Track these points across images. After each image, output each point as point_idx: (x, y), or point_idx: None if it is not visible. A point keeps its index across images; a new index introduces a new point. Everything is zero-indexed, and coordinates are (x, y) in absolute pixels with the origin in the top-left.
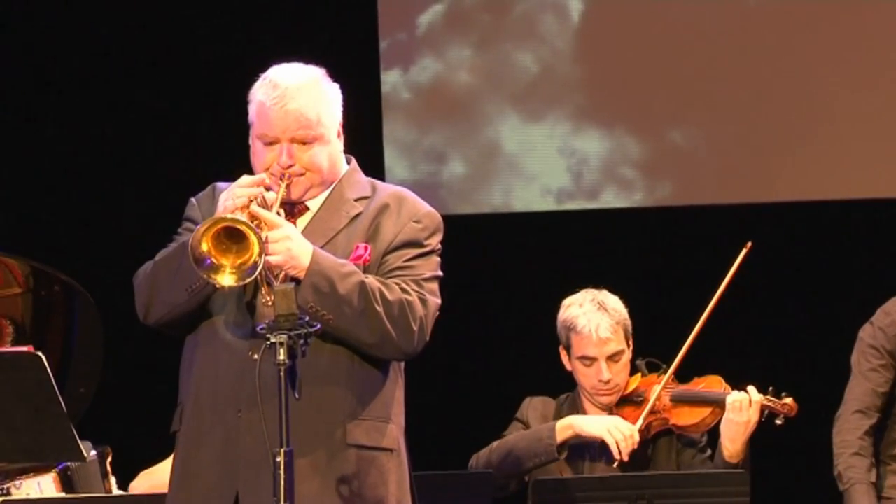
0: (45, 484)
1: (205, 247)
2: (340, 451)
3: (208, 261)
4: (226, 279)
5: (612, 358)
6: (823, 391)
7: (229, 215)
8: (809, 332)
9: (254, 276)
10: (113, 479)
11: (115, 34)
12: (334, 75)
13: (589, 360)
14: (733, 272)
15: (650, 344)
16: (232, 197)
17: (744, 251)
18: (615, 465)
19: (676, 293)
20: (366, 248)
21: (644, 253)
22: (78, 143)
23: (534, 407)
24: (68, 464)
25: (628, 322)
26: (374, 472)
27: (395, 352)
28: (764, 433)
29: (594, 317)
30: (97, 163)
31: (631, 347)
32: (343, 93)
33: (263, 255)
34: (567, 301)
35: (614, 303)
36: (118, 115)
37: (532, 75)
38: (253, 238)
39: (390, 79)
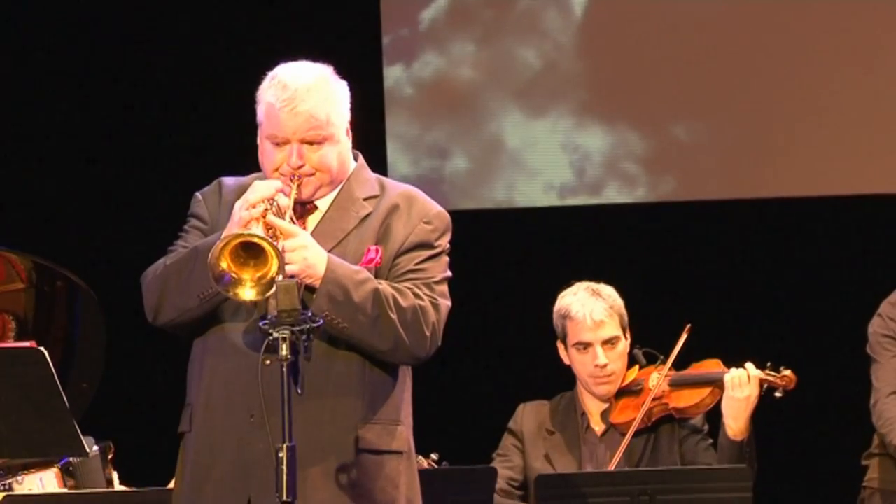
0: (48, 479)
1: (224, 265)
2: (351, 456)
3: (228, 277)
4: (247, 293)
5: (608, 343)
6: (825, 383)
7: (246, 231)
8: (814, 325)
9: (273, 290)
10: (115, 475)
11: (121, 28)
12: (337, 70)
13: (584, 346)
14: (674, 356)
15: (652, 338)
16: (247, 206)
17: (684, 335)
18: (616, 459)
19: (679, 288)
20: (377, 251)
21: (647, 248)
22: (82, 138)
23: (527, 414)
24: (70, 459)
25: (623, 310)
26: (384, 476)
27: (408, 357)
28: (767, 422)
29: (588, 302)
30: (101, 158)
31: (628, 340)
32: (347, 88)
33: (282, 270)
34: (562, 294)
35: (609, 290)
36: (123, 111)
37: (535, 70)
38: (272, 253)
39: (393, 74)
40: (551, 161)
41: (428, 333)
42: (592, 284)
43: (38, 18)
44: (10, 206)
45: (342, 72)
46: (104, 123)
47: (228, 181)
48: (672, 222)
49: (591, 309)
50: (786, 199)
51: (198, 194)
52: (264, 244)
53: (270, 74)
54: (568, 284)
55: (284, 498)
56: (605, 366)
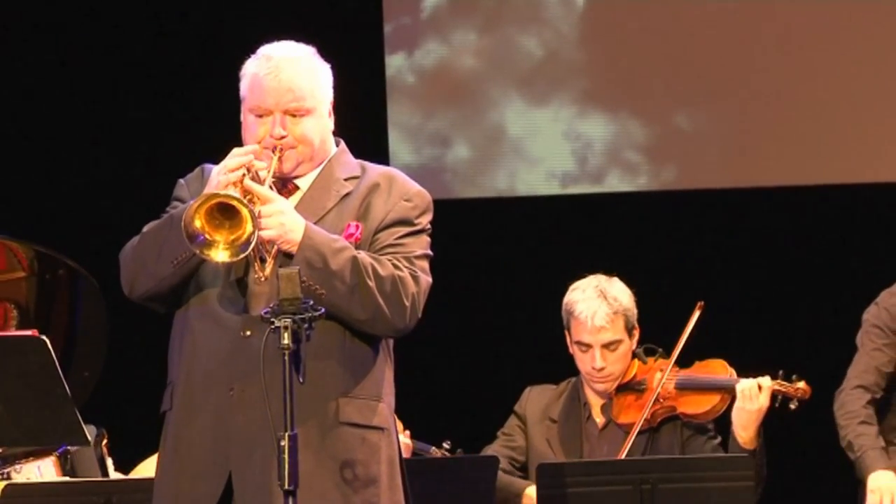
0: (46, 468)
1: (198, 223)
2: (333, 428)
3: (201, 237)
4: (220, 255)
5: (608, 347)
6: (825, 375)
7: (222, 191)
8: (813, 316)
9: (247, 253)
10: (110, 461)
11: (116, 16)
12: (339, 58)
13: (584, 346)
14: (688, 334)
15: (654, 328)
16: (225, 171)
17: (697, 312)
18: (618, 454)
19: (681, 277)
20: (357, 227)
21: (648, 237)
22: (80, 125)
23: (532, 399)
24: (68, 447)
25: (630, 312)
26: (366, 450)
27: (388, 328)
28: (775, 417)
29: (592, 304)
30: (99, 146)
31: (635, 337)
32: (348, 76)
33: (256, 231)
34: (574, 285)
35: (617, 291)
36: (119, 97)
37: (537, 59)
38: (246, 214)
39: (395, 62)
40: (553, 150)
41: (407, 304)
42: (603, 281)
43: (30, 5)
44: (10, 194)
45: (344, 59)
46: (101, 111)
47: (211, 167)
48: (674, 211)
49: (593, 312)
50: (787, 187)
51: (181, 180)
52: (239, 205)
53: (255, 53)
54: (576, 275)
55: (286, 487)
56: (601, 368)
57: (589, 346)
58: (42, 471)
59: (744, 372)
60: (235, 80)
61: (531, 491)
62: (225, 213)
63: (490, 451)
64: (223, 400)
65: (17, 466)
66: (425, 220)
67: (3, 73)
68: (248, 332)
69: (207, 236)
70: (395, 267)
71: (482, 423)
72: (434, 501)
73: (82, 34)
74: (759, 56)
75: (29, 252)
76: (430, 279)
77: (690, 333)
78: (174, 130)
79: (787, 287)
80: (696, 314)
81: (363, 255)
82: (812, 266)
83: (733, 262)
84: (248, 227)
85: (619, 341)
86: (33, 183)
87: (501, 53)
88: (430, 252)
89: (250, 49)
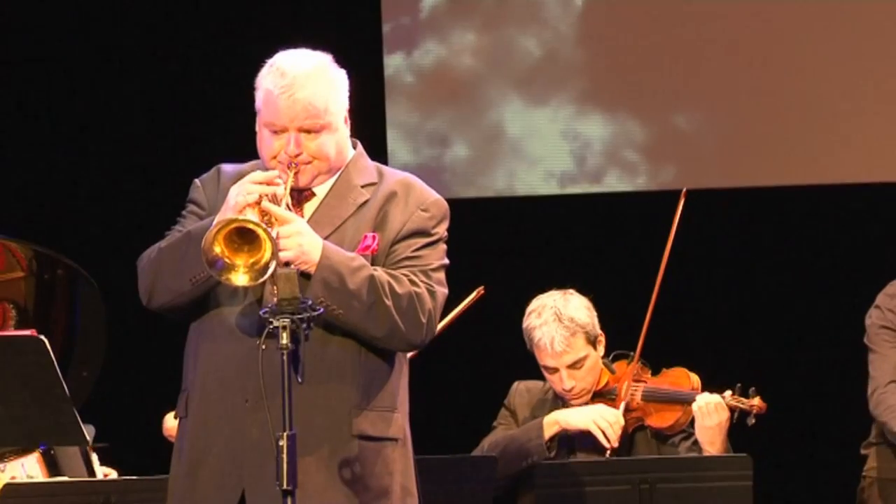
0: (30, 464)
1: (217, 249)
2: (346, 442)
3: (221, 262)
4: (240, 279)
5: (573, 366)
6: (824, 371)
7: (241, 216)
8: (813, 312)
9: (266, 277)
10: (95, 457)
11: (120, 14)
12: (337, 58)
13: (550, 370)
14: (675, 226)
15: (652, 326)
16: (243, 193)
17: (682, 200)
18: (607, 454)
19: (680, 276)
20: (374, 238)
21: (647, 236)
22: (80, 125)
23: (520, 394)
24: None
25: (589, 326)
26: (379, 463)
27: (404, 344)
28: (769, 411)
29: (549, 329)
30: (99, 145)
31: (601, 344)
32: (346, 76)
33: (276, 257)
34: (530, 307)
35: (572, 310)
36: (121, 98)
37: (535, 59)
38: (265, 239)
39: (393, 62)
40: (552, 149)
41: (424, 320)
42: (558, 300)
43: (36, 5)
44: (9, 194)
45: (342, 59)
46: (102, 111)
47: (227, 168)
48: (672, 210)
49: (551, 338)
50: (785, 187)
51: (196, 181)
52: (258, 230)
53: (269, 62)
54: (573, 275)
55: (285, 486)
56: (571, 388)
57: (555, 368)
58: (27, 468)
59: (705, 380)
60: (240, 81)
61: (550, 417)
62: (244, 236)
63: (490, 439)
64: (238, 410)
65: (1, 465)
66: (442, 229)
67: (4, 72)
68: (265, 346)
69: (227, 260)
70: (412, 283)
71: (479, 423)
72: (434, 501)
73: (82, 33)
74: (759, 56)
75: (28, 252)
76: (445, 291)
77: (678, 228)
78: (176, 130)
79: (786, 284)
80: (682, 202)
81: (380, 273)
82: (810, 263)
83: (732, 262)
84: (268, 252)
85: (583, 358)
86: (34, 183)
87: (500, 53)
88: (446, 261)
89: (251, 48)
